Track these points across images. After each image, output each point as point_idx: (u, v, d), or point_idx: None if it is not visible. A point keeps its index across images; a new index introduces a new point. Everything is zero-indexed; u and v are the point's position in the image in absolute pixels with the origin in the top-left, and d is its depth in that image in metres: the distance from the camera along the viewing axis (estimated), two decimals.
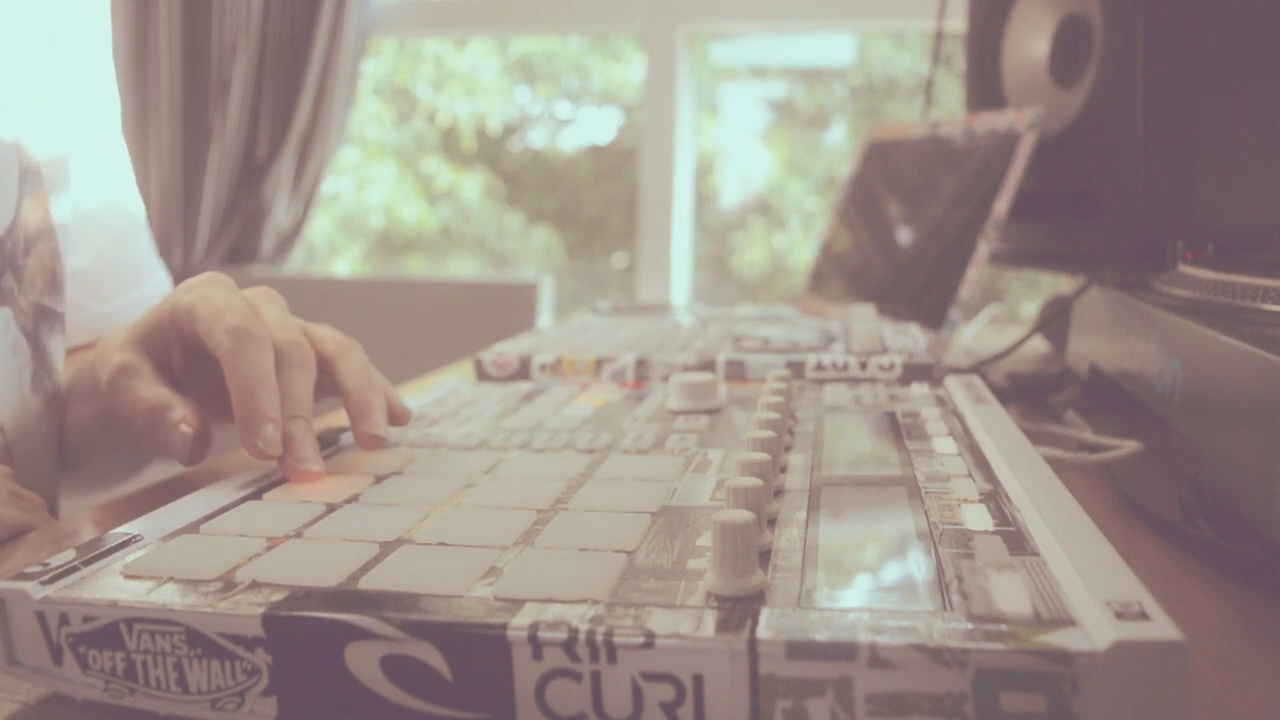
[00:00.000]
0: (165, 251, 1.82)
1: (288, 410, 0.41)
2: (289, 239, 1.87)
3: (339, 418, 0.59)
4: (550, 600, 0.26)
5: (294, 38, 1.77)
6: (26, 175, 0.53)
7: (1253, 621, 0.34)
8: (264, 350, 0.41)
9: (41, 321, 0.54)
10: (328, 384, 0.46)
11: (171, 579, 0.29)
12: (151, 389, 0.44)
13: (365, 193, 2.41)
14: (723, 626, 0.24)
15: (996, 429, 0.41)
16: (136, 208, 0.68)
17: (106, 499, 0.49)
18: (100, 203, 0.62)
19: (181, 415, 0.42)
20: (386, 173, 2.40)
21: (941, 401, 0.49)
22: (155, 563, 0.30)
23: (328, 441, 0.45)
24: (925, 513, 0.32)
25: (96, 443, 0.59)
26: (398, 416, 0.46)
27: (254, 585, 0.28)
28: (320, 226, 2.34)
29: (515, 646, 0.25)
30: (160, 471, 0.49)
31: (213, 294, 0.44)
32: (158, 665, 0.27)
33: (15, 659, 0.28)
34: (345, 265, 2.47)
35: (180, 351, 0.46)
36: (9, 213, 0.51)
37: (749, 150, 2.27)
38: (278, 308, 0.45)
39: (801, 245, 2.17)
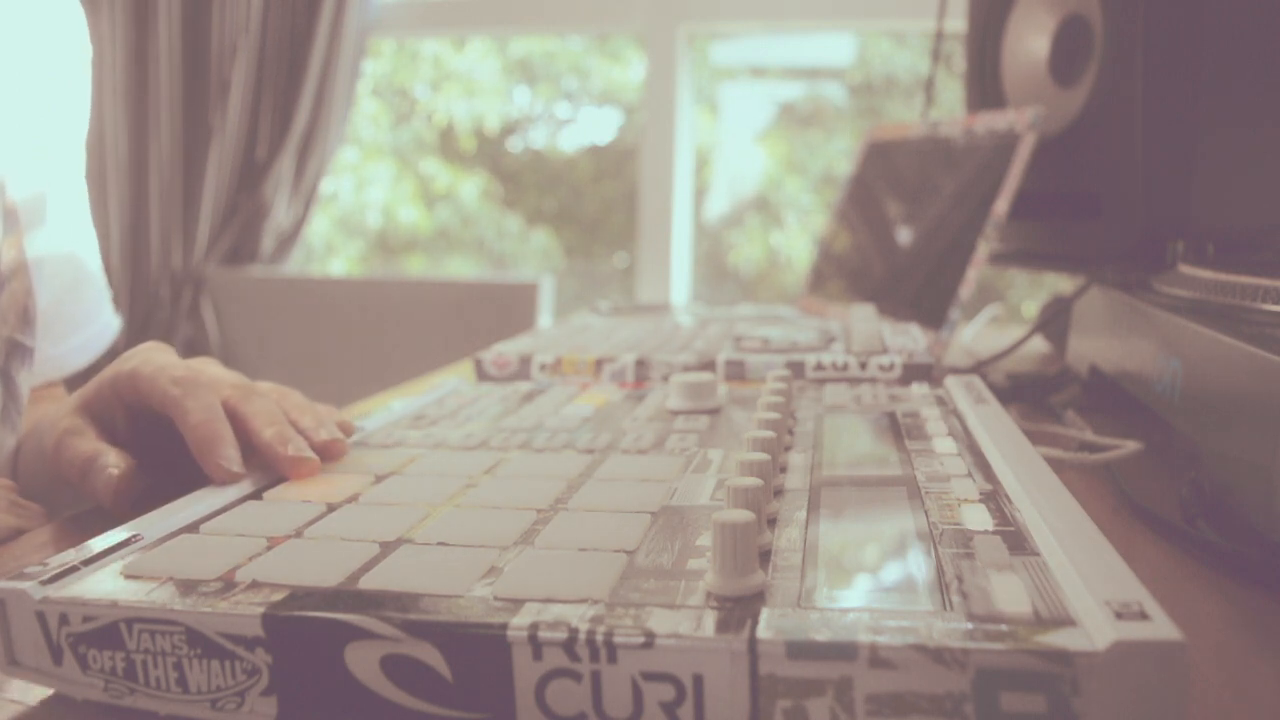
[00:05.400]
0: (165, 251, 1.83)
1: (264, 422, 0.42)
2: (289, 239, 1.87)
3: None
4: (550, 600, 0.26)
5: (294, 38, 1.77)
6: (5, 217, 0.53)
7: (1253, 621, 0.34)
8: (210, 393, 0.43)
9: (13, 356, 0.55)
10: None
11: (171, 579, 0.29)
12: (89, 443, 0.45)
13: (362, 193, 2.41)
14: (723, 626, 0.24)
15: (996, 429, 0.41)
16: (90, 252, 0.68)
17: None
18: (58, 247, 0.63)
19: (112, 461, 0.43)
20: (383, 173, 2.40)
21: (941, 401, 0.49)
22: (155, 563, 0.30)
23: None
24: (925, 513, 0.32)
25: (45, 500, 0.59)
26: (345, 430, 0.47)
27: (254, 585, 0.28)
28: (317, 227, 2.34)
29: (515, 646, 0.25)
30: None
31: (154, 357, 0.46)
32: (158, 665, 0.27)
33: (15, 659, 0.28)
34: (340, 265, 2.47)
35: (123, 417, 0.47)
36: None
37: (746, 149, 2.27)
38: (219, 367, 0.47)
39: (798, 242, 2.17)
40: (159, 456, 0.47)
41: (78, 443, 0.45)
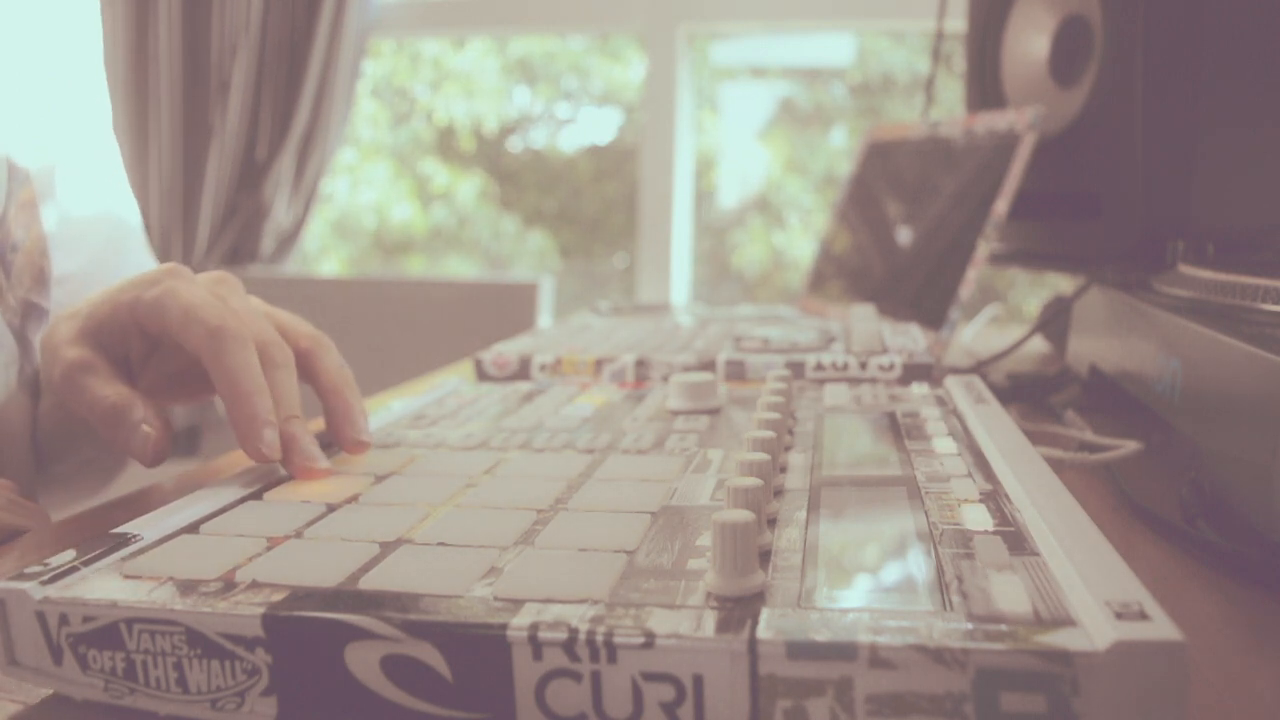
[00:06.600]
0: (165, 251, 1.82)
1: (281, 412, 0.41)
2: (289, 239, 1.87)
3: None
4: (550, 600, 0.26)
5: (294, 38, 1.77)
6: (15, 174, 0.53)
7: (1253, 621, 0.34)
8: (248, 350, 0.41)
9: (29, 317, 0.54)
10: (301, 376, 0.46)
11: (171, 579, 0.29)
12: (110, 386, 0.43)
13: (358, 194, 2.40)
14: (723, 626, 0.24)
15: (996, 429, 0.41)
16: (130, 214, 0.67)
17: (92, 502, 0.49)
18: (89, 209, 0.62)
19: (142, 415, 0.42)
20: (380, 173, 2.40)
21: (941, 401, 0.49)
22: (155, 563, 0.30)
23: (324, 443, 0.45)
24: (925, 513, 0.32)
25: (61, 436, 0.58)
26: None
27: (254, 585, 0.28)
28: (311, 228, 2.34)
29: (515, 646, 0.25)
30: (158, 474, 0.49)
31: (180, 289, 0.43)
32: (158, 665, 0.27)
33: (15, 659, 0.28)
34: (332, 267, 2.46)
35: (140, 344, 0.45)
36: None
37: (748, 149, 2.27)
38: (241, 297, 0.45)
39: (800, 242, 2.18)
40: (176, 380, 0.46)
41: (96, 385, 0.43)
